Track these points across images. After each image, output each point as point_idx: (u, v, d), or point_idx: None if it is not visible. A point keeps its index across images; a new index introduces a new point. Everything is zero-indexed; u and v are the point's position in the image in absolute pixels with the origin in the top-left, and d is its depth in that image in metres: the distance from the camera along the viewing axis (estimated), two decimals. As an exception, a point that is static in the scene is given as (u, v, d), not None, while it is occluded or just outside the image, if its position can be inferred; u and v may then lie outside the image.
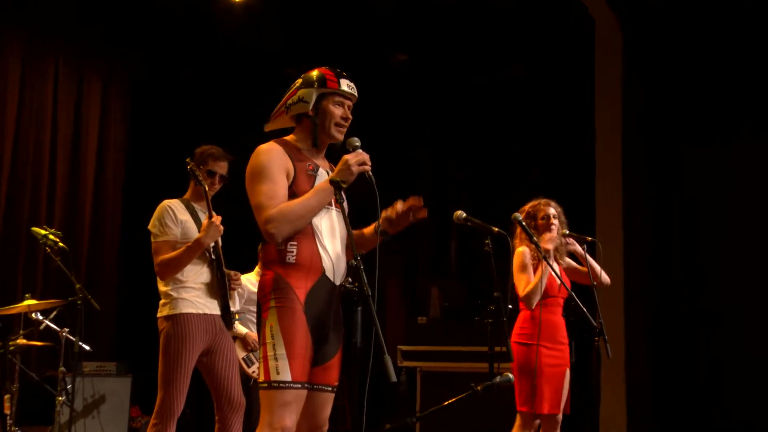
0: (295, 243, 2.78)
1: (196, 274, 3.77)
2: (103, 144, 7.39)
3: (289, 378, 2.68)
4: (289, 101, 2.93)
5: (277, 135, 3.00)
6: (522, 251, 4.33)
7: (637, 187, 6.39)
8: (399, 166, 7.56)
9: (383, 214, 2.92)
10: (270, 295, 2.75)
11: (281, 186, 2.78)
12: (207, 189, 3.75)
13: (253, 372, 5.06)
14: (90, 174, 7.23)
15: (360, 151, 2.80)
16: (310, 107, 2.89)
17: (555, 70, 7.23)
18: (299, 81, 2.95)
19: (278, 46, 7.32)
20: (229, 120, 7.41)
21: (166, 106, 7.75)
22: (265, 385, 2.71)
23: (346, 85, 2.92)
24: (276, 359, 2.68)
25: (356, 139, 2.84)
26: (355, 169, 2.75)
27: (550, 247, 4.23)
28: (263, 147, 2.85)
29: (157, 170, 7.17)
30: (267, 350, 2.71)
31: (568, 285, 4.30)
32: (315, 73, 2.92)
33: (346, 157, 2.78)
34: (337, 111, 2.91)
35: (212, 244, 3.76)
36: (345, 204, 2.81)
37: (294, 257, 2.77)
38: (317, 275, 2.79)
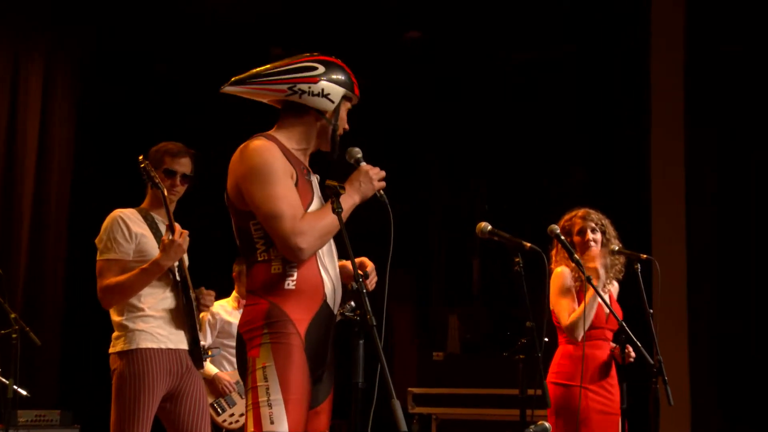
0: (295, 265, 2.80)
1: (157, 300, 3.75)
2: (45, 138, 7.38)
3: (285, 428, 2.70)
4: (303, 87, 2.92)
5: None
6: (561, 272, 4.35)
7: (703, 194, 6.37)
8: (406, 167, 7.56)
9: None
10: (263, 329, 2.76)
11: (295, 192, 2.83)
12: (165, 191, 3.74)
13: (224, 421, 5.07)
14: (28, 177, 7.23)
15: (369, 165, 2.90)
16: (333, 109, 2.95)
17: (601, 51, 7.24)
18: (320, 67, 2.95)
19: (264, 18, 7.34)
20: (203, 111, 7.42)
21: (122, 92, 7.75)
22: (257, 436, 2.72)
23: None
24: (270, 405, 2.70)
25: (358, 150, 2.91)
26: (376, 184, 2.86)
27: (596, 265, 4.23)
28: (259, 143, 2.85)
29: (111, 173, 7.17)
30: (259, 395, 2.73)
31: (619, 313, 4.29)
32: (342, 70, 2.98)
33: (365, 167, 2.88)
34: (345, 119, 3.01)
35: (177, 263, 3.76)
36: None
37: (294, 282, 2.79)
38: (318, 303, 2.83)
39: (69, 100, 7.61)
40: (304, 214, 2.79)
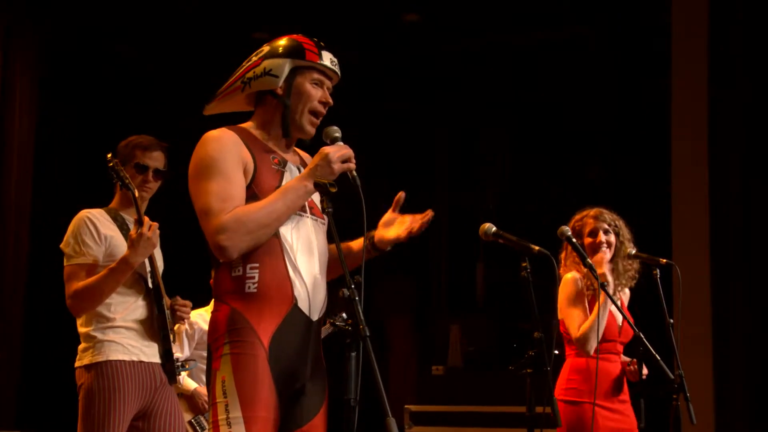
0: (256, 264, 2.79)
1: (128, 309, 3.76)
2: (3, 134, 7.39)
3: None
4: (249, 74, 2.97)
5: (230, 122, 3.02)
6: (571, 278, 4.36)
7: (728, 194, 6.38)
8: (405, 160, 7.57)
9: (384, 218, 3.03)
10: (223, 339, 2.77)
11: (236, 185, 2.81)
12: (136, 192, 3.75)
13: (205, 441, 5.10)
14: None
15: (342, 144, 2.85)
16: (280, 83, 2.94)
17: (618, 33, 7.25)
18: (265, 48, 3.00)
19: (247, 1, 7.34)
20: (178, 102, 7.42)
21: (88, 83, 7.76)
22: (215, 458, 2.72)
23: (328, 59, 2.99)
24: (229, 424, 2.70)
25: (336, 128, 2.89)
26: (337, 167, 2.80)
27: (603, 271, 4.23)
28: (212, 134, 2.89)
29: (76, 170, 7.18)
30: (218, 412, 2.72)
31: (633, 323, 4.30)
32: (287, 40, 2.98)
33: (326, 149, 2.83)
34: (315, 93, 2.97)
35: (149, 268, 3.77)
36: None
37: (255, 285, 2.78)
38: (287, 308, 2.80)
39: (29, 92, 7.59)
40: (235, 208, 2.76)
